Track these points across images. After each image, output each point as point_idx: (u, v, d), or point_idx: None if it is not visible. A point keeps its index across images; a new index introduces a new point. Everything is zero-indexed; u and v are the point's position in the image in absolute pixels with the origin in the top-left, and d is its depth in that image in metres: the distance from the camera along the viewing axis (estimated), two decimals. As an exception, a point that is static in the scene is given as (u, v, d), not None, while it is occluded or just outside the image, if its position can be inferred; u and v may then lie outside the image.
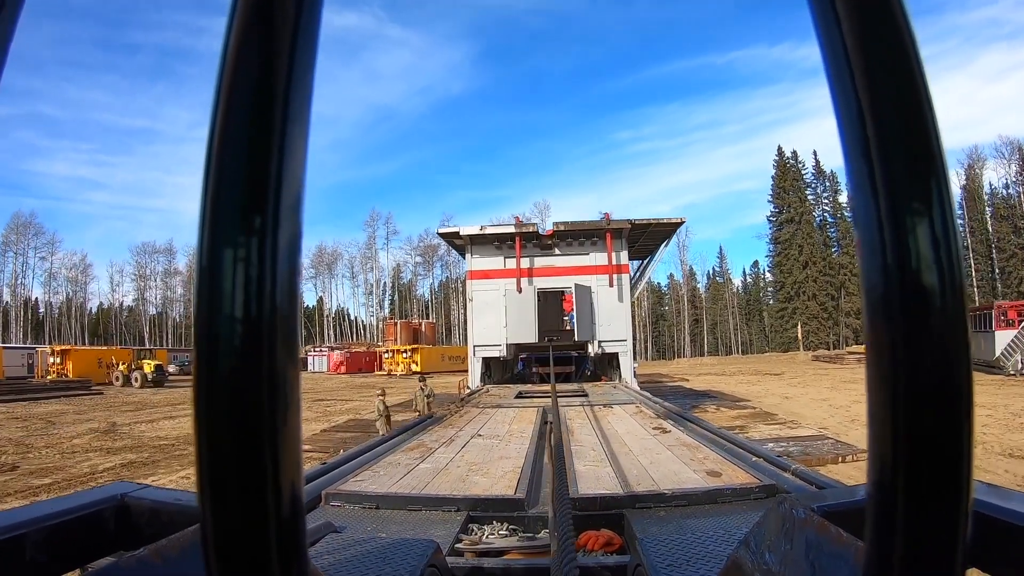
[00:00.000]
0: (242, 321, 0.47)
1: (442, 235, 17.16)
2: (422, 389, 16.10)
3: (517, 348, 16.15)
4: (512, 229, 15.84)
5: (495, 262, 15.77)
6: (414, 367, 55.28)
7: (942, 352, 0.49)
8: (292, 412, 0.49)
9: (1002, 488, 1.59)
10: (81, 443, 18.29)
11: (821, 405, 23.48)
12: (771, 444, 11.76)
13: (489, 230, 16.14)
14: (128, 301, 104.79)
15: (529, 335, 15.18)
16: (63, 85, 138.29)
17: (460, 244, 16.66)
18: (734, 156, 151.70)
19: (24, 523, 1.62)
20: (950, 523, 0.49)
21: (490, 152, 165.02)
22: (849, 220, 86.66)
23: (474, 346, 15.76)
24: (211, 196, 0.48)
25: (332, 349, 70.25)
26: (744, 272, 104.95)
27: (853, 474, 11.30)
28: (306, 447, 15.34)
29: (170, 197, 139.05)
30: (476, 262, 15.94)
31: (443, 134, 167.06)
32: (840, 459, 12.28)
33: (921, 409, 0.49)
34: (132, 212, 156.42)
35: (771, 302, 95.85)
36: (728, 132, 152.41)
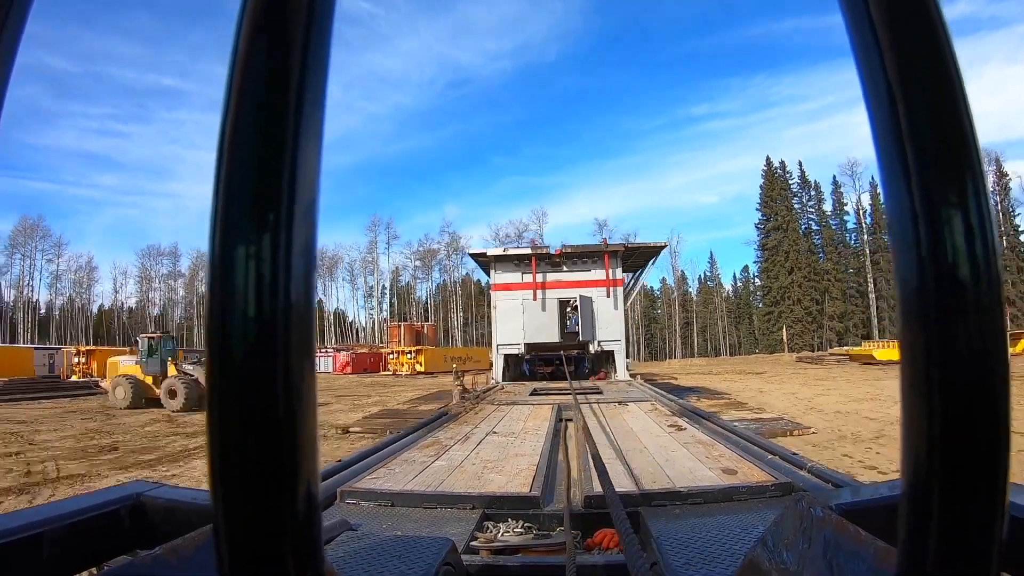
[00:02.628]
0: (256, 319, 0.47)
1: (471, 255, 20.97)
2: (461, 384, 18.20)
3: (530, 347, 19.20)
4: (529, 251, 19.33)
5: (514, 277, 19.01)
6: (418, 367, 57.02)
7: (979, 347, 0.48)
8: (308, 410, 0.48)
9: None
10: (153, 430, 19.31)
11: (789, 397, 25.26)
12: (736, 424, 13.45)
13: (511, 251, 19.69)
14: (131, 303, 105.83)
15: (551, 336, 18.37)
16: (77, 31, 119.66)
17: (485, 262, 19.97)
18: (800, 139, 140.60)
19: (41, 522, 1.63)
20: (986, 523, 0.49)
21: (556, 129, 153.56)
22: (834, 228, 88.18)
23: (497, 345, 18.96)
24: (223, 191, 0.48)
25: (337, 350, 71.22)
26: (735, 276, 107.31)
27: (795, 443, 13.34)
28: (356, 429, 17.38)
29: (188, 179, 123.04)
30: (499, 277, 19.19)
31: (516, 105, 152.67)
32: (789, 433, 14.63)
33: (957, 406, 0.48)
34: (143, 198, 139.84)
35: (760, 306, 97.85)
36: (804, 110, 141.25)
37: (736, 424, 10.56)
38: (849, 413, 19.14)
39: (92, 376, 46.53)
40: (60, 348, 58.07)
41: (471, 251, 21.03)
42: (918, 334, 0.48)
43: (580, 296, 18.44)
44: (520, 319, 18.73)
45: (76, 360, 49.97)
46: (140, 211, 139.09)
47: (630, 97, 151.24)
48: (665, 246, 20.29)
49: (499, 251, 19.57)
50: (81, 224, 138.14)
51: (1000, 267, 0.49)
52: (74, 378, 47.11)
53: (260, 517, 0.47)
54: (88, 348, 53.27)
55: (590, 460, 4.33)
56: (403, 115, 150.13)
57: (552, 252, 19.05)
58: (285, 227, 0.47)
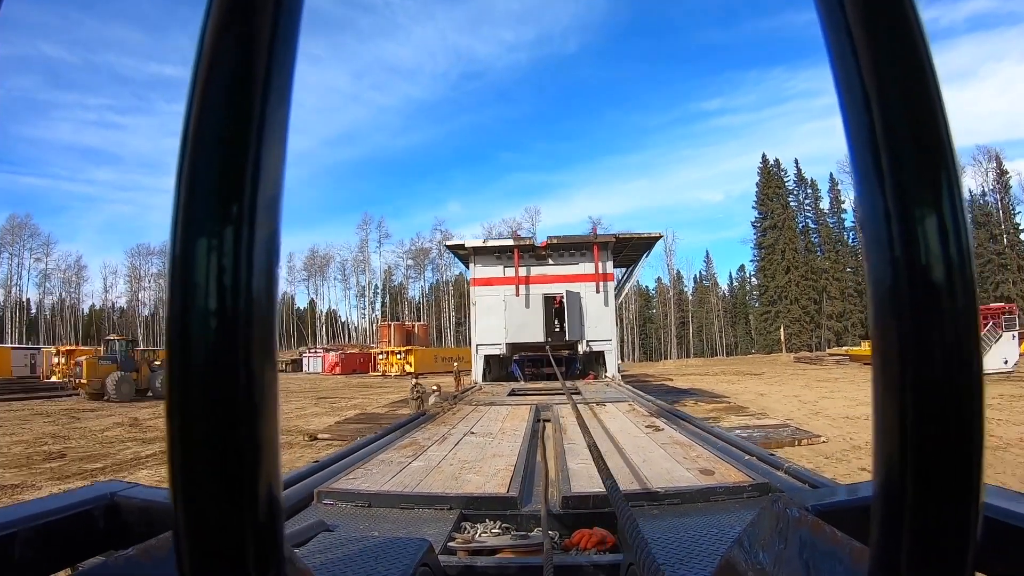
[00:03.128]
0: (217, 315, 0.46)
1: (449, 247, 19.02)
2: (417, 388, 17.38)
3: (514, 348, 17.79)
4: (511, 242, 17.67)
5: (495, 271, 17.45)
6: (408, 368, 55.88)
7: (952, 348, 0.48)
8: (269, 410, 0.48)
9: (1013, 491, 1.53)
10: (113, 435, 19.06)
11: (792, 400, 24.63)
12: (738, 431, 13.05)
13: (491, 243, 18.02)
14: (121, 302, 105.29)
15: (536, 335, 16.80)
16: (76, 16, 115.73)
17: (464, 255, 18.32)
18: (812, 135, 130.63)
19: (13, 522, 1.62)
20: (960, 525, 0.49)
21: (565, 124, 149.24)
22: (831, 226, 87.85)
23: (477, 345, 17.40)
24: (185, 185, 0.48)
25: (327, 350, 70.85)
26: (731, 276, 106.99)
27: (806, 454, 12.77)
28: (325, 436, 16.82)
29: None
30: (479, 271, 17.62)
31: (529, 98, 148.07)
32: (797, 442, 13.62)
33: (930, 407, 0.48)
34: (140, 194, 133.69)
35: (756, 305, 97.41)
36: (818, 105, 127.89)
37: (737, 431, 11.09)
38: (858, 418, 18.15)
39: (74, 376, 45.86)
40: (40, 348, 56.65)
41: (448, 243, 19.12)
42: (891, 335, 0.49)
43: (567, 291, 16.95)
44: (502, 317, 17.19)
45: (56, 360, 49.07)
46: (136, 208, 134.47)
47: (643, 91, 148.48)
48: (660, 237, 18.46)
49: (478, 242, 17.81)
50: (75, 221, 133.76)
51: (974, 268, 0.49)
52: (54, 379, 46.23)
53: (220, 517, 0.47)
54: (68, 348, 51.94)
55: (567, 460, 4.52)
56: (413, 107, 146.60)
57: (536, 244, 17.53)
58: (247, 222, 0.47)
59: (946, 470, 0.49)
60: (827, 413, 20.03)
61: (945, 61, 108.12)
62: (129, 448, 16.73)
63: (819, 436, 14.62)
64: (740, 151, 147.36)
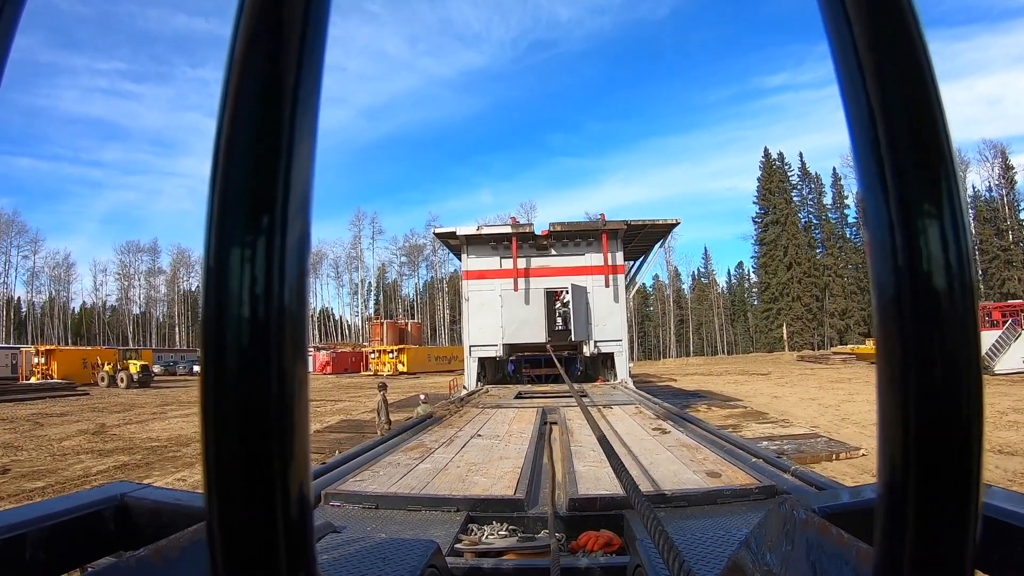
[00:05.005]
0: (250, 321, 0.47)
1: (438, 235, 16.83)
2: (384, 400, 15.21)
3: (511, 349, 16.13)
4: (508, 229, 15.79)
5: (491, 262, 15.69)
6: (400, 367, 56.26)
7: (952, 354, 0.49)
8: (300, 413, 0.49)
9: (1011, 491, 1.63)
10: (71, 445, 18.15)
11: (810, 404, 23.62)
12: (765, 442, 11.96)
13: (485, 230, 16.06)
14: (111, 301, 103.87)
15: (536, 335, 15.10)
16: None
17: (456, 244, 16.57)
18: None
19: (24, 523, 1.66)
20: (960, 525, 0.50)
21: (623, 98, 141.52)
22: (833, 222, 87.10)
23: (470, 346, 15.68)
24: (219, 195, 0.48)
25: (318, 349, 69.82)
26: (729, 273, 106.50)
27: (848, 471, 11.47)
28: None
29: (201, 154, 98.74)
30: (472, 262, 15.85)
31: (595, 71, 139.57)
32: (834, 456, 12.59)
33: (931, 410, 0.49)
34: (150, 179, 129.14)
35: (756, 303, 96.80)
36: None
37: (764, 443, 11.07)
38: (892, 425, 16.56)
39: (52, 377, 44.78)
40: (20, 348, 55.02)
41: (437, 230, 16.92)
42: (894, 341, 0.50)
43: (572, 285, 15.14)
44: (498, 314, 15.40)
45: (36, 361, 47.82)
46: (145, 195, 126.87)
47: (713, 60, 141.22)
48: (677, 223, 16.49)
49: (471, 230, 15.81)
50: (77, 209, 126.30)
51: (974, 275, 0.51)
52: (33, 379, 44.98)
53: (253, 519, 0.48)
54: (48, 348, 50.70)
55: (575, 463, 4.60)
56: (465, 79, 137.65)
57: (537, 233, 15.62)
58: (279, 231, 0.48)
59: (947, 471, 0.49)
60: (854, 419, 18.77)
61: (1013, 43, 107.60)
62: (82, 462, 15.46)
63: (857, 448, 13.22)
64: (788, 133, 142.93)
